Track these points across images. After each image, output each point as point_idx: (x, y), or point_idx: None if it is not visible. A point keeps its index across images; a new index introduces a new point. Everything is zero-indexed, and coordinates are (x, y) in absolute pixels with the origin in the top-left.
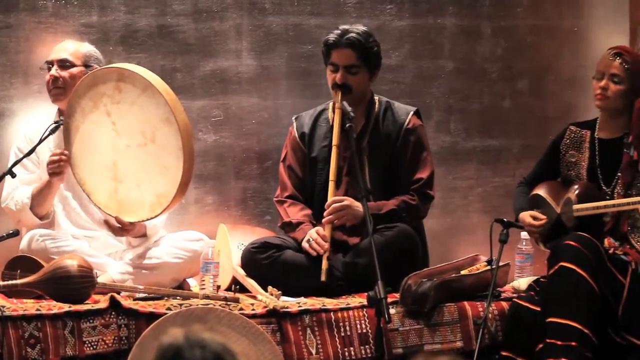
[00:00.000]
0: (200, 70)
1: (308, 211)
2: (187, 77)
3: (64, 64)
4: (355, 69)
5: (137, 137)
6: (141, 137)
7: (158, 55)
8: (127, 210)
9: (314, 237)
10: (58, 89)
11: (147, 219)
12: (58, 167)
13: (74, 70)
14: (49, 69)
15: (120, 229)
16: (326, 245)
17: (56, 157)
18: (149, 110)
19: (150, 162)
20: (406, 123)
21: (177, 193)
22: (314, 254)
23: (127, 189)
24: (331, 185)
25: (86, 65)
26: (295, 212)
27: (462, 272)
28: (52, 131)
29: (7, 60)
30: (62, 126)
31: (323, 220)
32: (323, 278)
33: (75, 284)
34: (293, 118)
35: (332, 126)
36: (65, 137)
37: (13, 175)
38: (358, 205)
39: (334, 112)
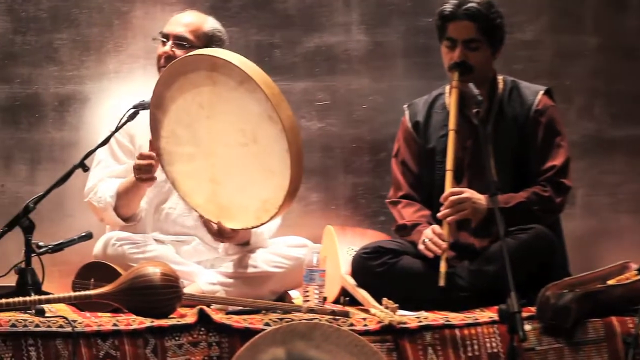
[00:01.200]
0: (302, 47)
1: (426, 212)
2: (288, 55)
3: (180, 41)
4: (475, 44)
5: (236, 135)
6: (241, 135)
7: (252, 29)
8: (228, 215)
9: (430, 236)
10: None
11: (252, 227)
12: (146, 173)
13: (190, 51)
14: (163, 43)
15: (220, 234)
16: (444, 245)
17: (144, 162)
18: (248, 106)
19: (253, 164)
20: (535, 104)
21: (286, 200)
22: (431, 255)
23: (228, 192)
24: (448, 176)
25: (207, 47)
26: (410, 213)
27: (609, 282)
28: (130, 117)
29: (78, 34)
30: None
31: (439, 214)
32: (442, 283)
33: (158, 295)
34: (405, 106)
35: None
36: (153, 129)
37: (85, 170)
38: (480, 198)
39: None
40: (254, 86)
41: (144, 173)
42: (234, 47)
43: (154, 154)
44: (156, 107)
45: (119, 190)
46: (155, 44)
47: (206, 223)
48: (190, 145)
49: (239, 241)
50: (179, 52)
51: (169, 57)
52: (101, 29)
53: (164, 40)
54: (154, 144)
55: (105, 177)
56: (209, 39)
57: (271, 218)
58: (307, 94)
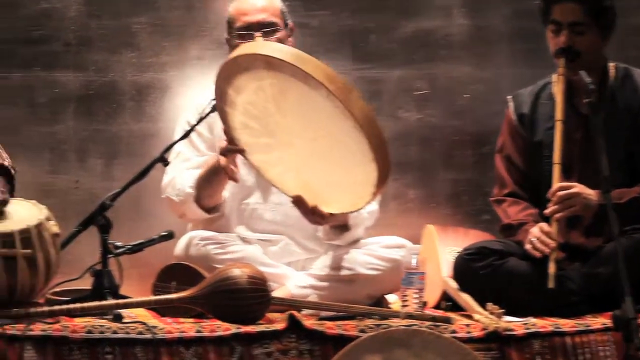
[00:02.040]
0: (399, 32)
1: (533, 210)
2: (383, 41)
3: (268, 27)
4: (581, 28)
5: (310, 128)
6: (317, 128)
7: (345, 13)
8: (323, 200)
9: (537, 235)
10: None
11: (349, 212)
12: (232, 172)
13: (280, 33)
14: (242, 36)
15: (318, 215)
16: (553, 244)
17: (225, 164)
18: (315, 101)
19: (335, 154)
20: None
21: (378, 187)
22: (539, 255)
23: (317, 180)
24: (556, 170)
25: (285, 24)
26: (516, 212)
27: None
28: (214, 108)
29: (157, 18)
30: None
31: (546, 211)
32: (551, 285)
33: (245, 299)
34: (508, 97)
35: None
36: (223, 120)
37: (165, 164)
38: (591, 194)
39: None
40: (316, 83)
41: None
42: (325, 32)
43: (236, 147)
44: (221, 100)
45: (199, 179)
46: (234, 43)
47: (300, 202)
48: (265, 136)
49: (337, 222)
50: (270, 39)
51: None
52: (182, 12)
53: (249, 32)
54: (229, 134)
55: (184, 170)
56: (284, 16)
57: (367, 203)
58: (404, 83)
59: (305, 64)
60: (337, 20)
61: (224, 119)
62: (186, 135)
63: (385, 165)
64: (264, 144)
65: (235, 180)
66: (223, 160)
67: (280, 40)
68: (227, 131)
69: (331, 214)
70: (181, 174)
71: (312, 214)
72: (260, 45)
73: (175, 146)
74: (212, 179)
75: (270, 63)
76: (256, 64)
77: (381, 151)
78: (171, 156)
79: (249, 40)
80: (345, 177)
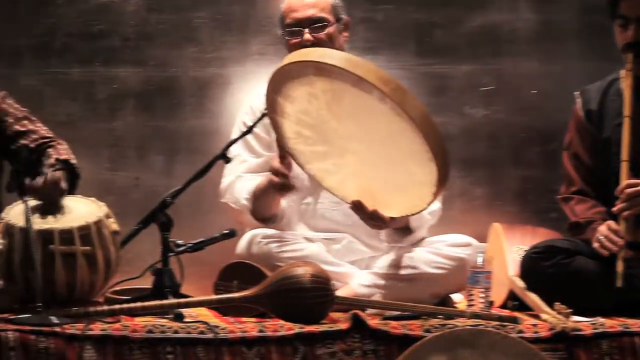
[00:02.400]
0: (465, 27)
1: (601, 208)
2: (449, 35)
3: (316, 23)
4: None
5: (367, 133)
6: (373, 132)
7: (410, 7)
8: (382, 204)
9: (605, 233)
10: None
11: (411, 214)
12: (282, 190)
13: (331, 29)
14: (293, 32)
15: (377, 219)
16: (621, 242)
17: (278, 180)
18: (370, 104)
19: (394, 158)
20: None
21: (439, 187)
22: (606, 253)
23: (376, 184)
24: (624, 167)
25: (338, 19)
26: (584, 210)
27: None
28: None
29: (218, 12)
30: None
31: (614, 209)
32: (619, 284)
33: (308, 298)
34: (576, 93)
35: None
36: (276, 132)
37: (227, 161)
38: None
39: None
40: (369, 86)
41: (279, 189)
42: (390, 26)
43: (287, 171)
44: (273, 111)
45: (255, 191)
46: (282, 39)
47: (359, 207)
48: (320, 144)
49: (399, 225)
50: (319, 35)
51: (313, 45)
52: (244, 6)
53: (298, 29)
54: (282, 145)
55: (242, 174)
56: (336, 9)
57: (427, 205)
58: (470, 78)
59: (356, 68)
60: (402, 14)
61: (277, 130)
62: (249, 130)
63: (445, 165)
64: (320, 152)
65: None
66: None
67: (330, 36)
68: (280, 142)
69: (392, 218)
70: (239, 180)
71: (372, 219)
72: (309, 52)
73: (232, 148)
74: (266, 195)
75: (321, 69)
76: (306, 71)
77: (440, 150)
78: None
79: (298, 37)
80: (404, 179)
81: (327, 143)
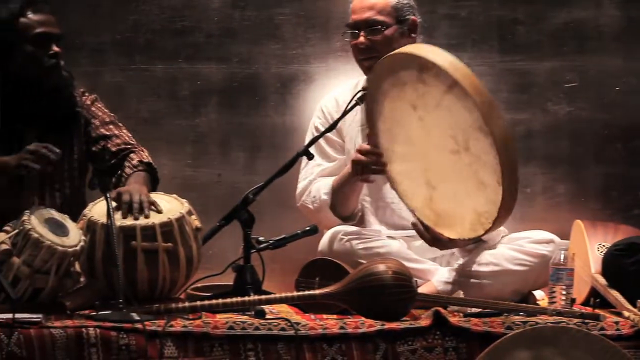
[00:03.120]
0: (549, 23)
1: None
2: (532, 32)
3: (372, 26)
4: None
5: (448, 141)
6: (453, 142)
7: (494, 4)
8: (444, 223)
9: None
10: (370, 60)
11: (468, 239)
12: (367, 172)
13: (389, 31)
14: (353, 35)
15: (437, 241)
16: None
17: (364, 159)
18: (458, 113)
19: (466, 173)
20: None
21: (500, 216)
22: None
23: (443, 199)
24: None
25: (400, 21)
26: None
27: None
28: (360, 100)
29: (301, 9)
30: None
31: None
32: None
33: (389, 295)
34: None
35: None
36: (369, 123)
37: (310, 157)
38: None
39: None
40: (463, 93)
41: (363, 171)
42: (473, 23)
43: (378, 150)
44: (371, 100)
45: (334, 186)
46: (347, 39)
47: (416, 225)
48: (404, 144)
49: (462, 245)
50: (375, 37)
51: (368, 48)
52: (327, 3)
53: (354, 31)
54: (372, 139)
55: (317, 178)
56: (399, 11)
57: (486, 232)
58: (553, 75)
59: (457, 71)
60: (485, 10)
61: (371, 120)
62: (332, 126)
63: (512, 193)
64: (400, 152)
65: (368, 181)
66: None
67: (388, 38)
68: (371, 135)
69: (450, 239)
70: (315, 182)
71: (431, 241)
72: (417, 47)
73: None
74: (346, 186)
75: (424, 66)
76: (409, 65)
77: (511, 177)
78: (302, 163)
79: (355, 40)
80: (470, 198)
81: (410, 144)
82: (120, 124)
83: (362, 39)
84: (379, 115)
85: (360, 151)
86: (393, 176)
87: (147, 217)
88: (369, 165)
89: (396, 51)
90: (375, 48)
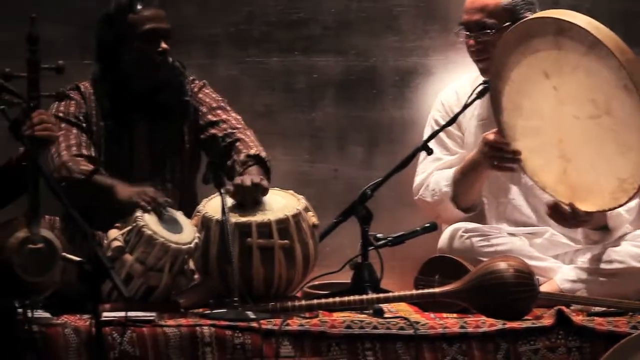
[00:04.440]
0: None
1: None
2: None
3: (482, 29)
4: None
5: (586, 106)
6: (592, 107)
7: None
8: (581, 196)
9: None
10: (482, 62)
11: (609, 209)
12: (500, 161)
13: (499, 33)
14: (462, 36)
15: (573, 218)
16: None
17: (489, 151)
18: (599, 73)
19: (606, 138)
20: None
21: None
22: None
23: (578, 171)
24: None
25: (515, 20)
26: None
27: None
28: (480, 94)
29: (421, 0)
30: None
31: None
32: None
33: (511, 294)
34: None
35: None
36: (493, 101)
37: (429, 152)
38: None
39: None
40: (605, 52)
41: (496, 160)
42: (596, 14)
43: (504, 140)
44: (496, 76)
45: (455, 176)
46: (460, 38)
47: (555, 206)
48: (534, 118)
49: (595, 225)
50: (486, 39)
51: (479, 50)
52: None
53: (466, 32)
54: (495, 117)
55: (435, 171)
56: (512, 12)
57: (630, 199)
58: None
59: (598, 31)
60: (609, 3)
61: (495, 98)
62: (452, 121)
63: None
64: (533, 127)
65: (506, 170)
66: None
67: (499, 39)
68: (494, 114)
69: (588, 213)
70: (433, 175)
71: (568, 219)
72: (551, 11)
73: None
74: (470, 174)
75: (562, 27)
76: (546, 29)
77: None
78: (420, 157)
79: (465, 40)
80: (610, 166)
81: (541, 117)
82: (228, 108)
83: (472, 41)
84: (504, 89)
85: (485, 141)
86: (523, 155)
87: (259, 202)
88: (500, 156)
89: (528, 18)
90: (486, 50)
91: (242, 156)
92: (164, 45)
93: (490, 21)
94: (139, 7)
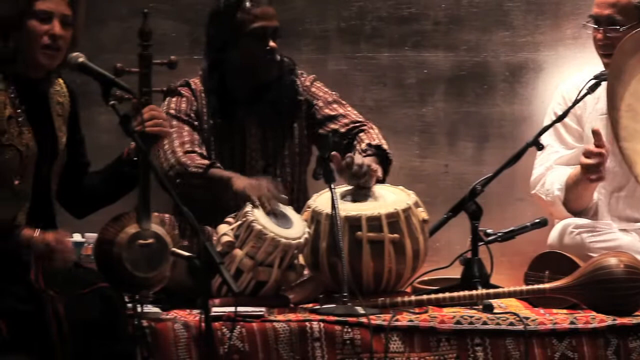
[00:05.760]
0: None
1: None
2: None
3: (611, 24)
4: None
5: None
6: None
7: None
8: None
9: None
10: (608, 57)
11: None
12: (595, 173)
13: (627, 32)
14: (595, 29)
15: None
16: None
17: (591, 162)
18: None
19: None
20: None
21: None
22: None
23: None
24: None
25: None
26: None
27: None
28: (591, 89)
29: None
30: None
31: None
32: None
33: (621, 289)
34: None
35: None
36: (609, 100)
37: (540, 148)
38: None
39: None
40: None
41: (592, 173)
42: None
43: (602, 150)
44: (614, 77)
45: (568, 182)
46: (587, 30)
47: None
48: None
49: None
50: (614, 35)
51: (606, 45)
52: None
53: (596, 26)
54: (610, 114)
55: (553, 165)
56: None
57: None
58: None
59: None
60: None
61: (611, 98)
62: (562, 116)
63: None
64: None
65: (600, 180)
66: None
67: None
68: (609, 112)
69: None
70: (551, 171)
71: None
72: None
73: (543, 139)
74: (580, 183)
75: None
76: None
77: None
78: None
79: (596, 34)
80: None
81: None
82: (343, 102)
83: (600, 35)
84: (621, 92)
85: (585, 154)
86: (630, 154)
87: (368, 185)
88: (598, 167)
89: None
90: (613, 45)
91: (363, 145)
92: (271, 43)
93: (620, 18)
94: (247, 4)
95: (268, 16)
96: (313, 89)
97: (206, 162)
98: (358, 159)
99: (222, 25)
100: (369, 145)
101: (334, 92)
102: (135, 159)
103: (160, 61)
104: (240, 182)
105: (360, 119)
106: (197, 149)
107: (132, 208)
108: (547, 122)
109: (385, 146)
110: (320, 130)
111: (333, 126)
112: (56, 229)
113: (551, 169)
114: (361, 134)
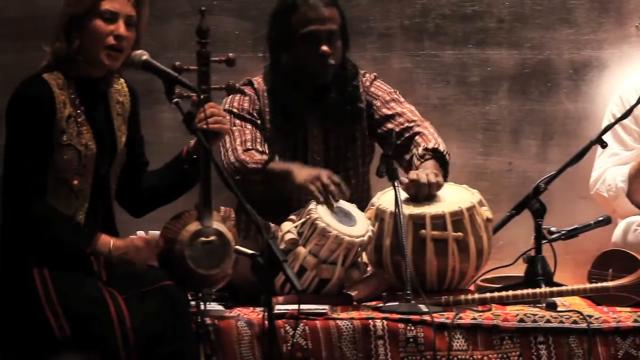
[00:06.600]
0: None
1: None
2: None
3: None
4: None
5: None
6: None
7: None
8: None
9: None
10: None
11: None
12: None
13: None
14: None
15: None
16: None
17: None
18: None
19: None
20: None
21: None
22: None
23: None
24: None
25: None
26: None
27: None
28: None
29: None
30: None
31: None
32: None
33: None
34: None
35: None
36: None
37: (603, 145)
38: None
39: None
40: None
41: None
42: None
43: None
44: None
45: (631, 173)
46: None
47: None
48: None
49: None
50: None
51: None
52: None
53: None
54: None
55: (612, 166)
56: None
57: None
58: None
59: None
60: None
61: None
62: (625, 115)
63: None
64: None
65: None
66: None
67: None
68: None
69: None
70: (609, 170)
71: None
72: None
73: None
74: None
75: None
76: None
77: None
78: (598, 151)
79: None
80: None
81: None
82: (401, 100)
83: None
84: None
85: None
86: None
87: (434, 196)
88: None
89: None
90: None
91: (420, 149)
92: (323, 48)
93: None
94: (302, 7)
95: (322, 20)
96: (372, 89)
97: (265, 157)
98: (422, 177)
99: (280, 26)
100: (426, 149)
101: (393, 90)
102: (195, 156)
103: (219, 58)
104: (300, 175)
105: (415, 118)
106: (258, 146)
107: (192, 206)
108: (605, 124)
109: (441, 147)
110: (379, 130)
111: (390, 125)
112: (115, 229)
113: (609, 169)
114: (417, 137)
